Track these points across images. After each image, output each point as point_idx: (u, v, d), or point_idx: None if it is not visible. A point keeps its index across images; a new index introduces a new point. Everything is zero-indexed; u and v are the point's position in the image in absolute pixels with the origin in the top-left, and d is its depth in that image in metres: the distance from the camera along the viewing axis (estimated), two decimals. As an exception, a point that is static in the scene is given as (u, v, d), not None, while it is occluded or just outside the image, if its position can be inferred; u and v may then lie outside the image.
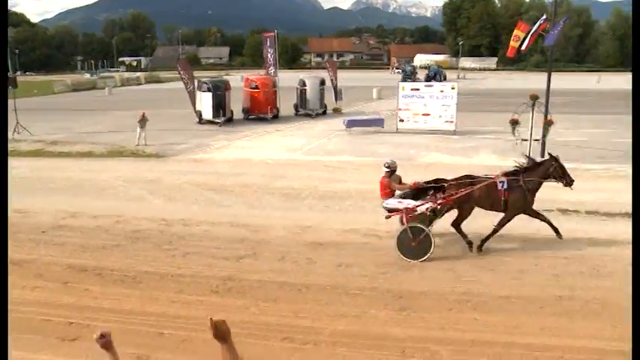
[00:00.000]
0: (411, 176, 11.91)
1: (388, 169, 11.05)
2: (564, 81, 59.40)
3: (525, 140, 18.72)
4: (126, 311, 8.07)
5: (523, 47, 19.76)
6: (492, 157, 20.06)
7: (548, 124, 19.02)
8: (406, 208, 10.42)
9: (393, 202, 10.69)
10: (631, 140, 6.48)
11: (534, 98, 18.18)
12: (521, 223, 12.37)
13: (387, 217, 10.72)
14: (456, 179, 10.95)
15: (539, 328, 7.62)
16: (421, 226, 10.19)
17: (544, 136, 19.28)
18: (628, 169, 17.98)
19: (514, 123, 18.91)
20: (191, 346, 7.15)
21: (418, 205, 10.55)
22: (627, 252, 10.50)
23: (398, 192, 10.95)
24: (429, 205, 10.57)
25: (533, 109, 18.27)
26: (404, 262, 9.95)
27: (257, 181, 16.27)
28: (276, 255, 10.33)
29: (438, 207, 10.62)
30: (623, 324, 7.73)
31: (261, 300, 8.41)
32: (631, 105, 6.81)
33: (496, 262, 10.09)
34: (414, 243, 10.04)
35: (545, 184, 10.99)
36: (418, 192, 10.94)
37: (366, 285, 9.00)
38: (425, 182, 11.01)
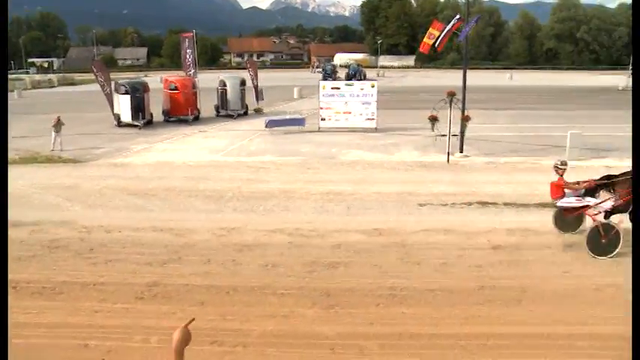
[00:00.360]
0: (332, 175, 12.05)
1: (564, 168, 11.03)
2: (479, 78, 61.55)
3: (444, 136, 19.27)
4: (46, 324, 7.74)
5: (438, 45, 20.35)
6: (413, 154, 20.56)
7: (465, 119, 19.66)
8: (586, 206, 10.67)
9: (571, 201, 10.80)
10: (631, 140, 6.67)
11: (451, 95, 18.72)
12: (443, 217, 12.76)
13: (566, 216, 11.03)
14: (622, 174, 10.92)
15: (464, 317, 7.87)
16: (612, 223, 10.32)
17: (462, 131, 19.92)
18: (542, 160, 18.91)
19: (433, 119, 19.40)
20: (117, 357, 6.95)
21: (600, 203, 10.72)
22: (543, 240, 11.07)
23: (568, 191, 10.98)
24: (611, 202, 10.69)
25: (450, 106, 18.81)
26: (329, 261, 10.03)
27: (179, 184, 15.99)
28: (201, 258, 10.19)
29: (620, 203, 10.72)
30: (540, 308, 8.13)
31: (188, 304, 8.28)
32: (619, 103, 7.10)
33: (421, 255, 10.34)
34: (604, 240, 10.15)
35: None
36: (591, 190, 11.01)
37: (293, 284, 9.02)
38: (596, 180, 11.07)
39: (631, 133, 6.60)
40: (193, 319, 3.01)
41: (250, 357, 6.98)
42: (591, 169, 17.71)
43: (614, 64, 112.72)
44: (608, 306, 8.20)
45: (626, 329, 7.52)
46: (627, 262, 9.93)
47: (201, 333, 7.39)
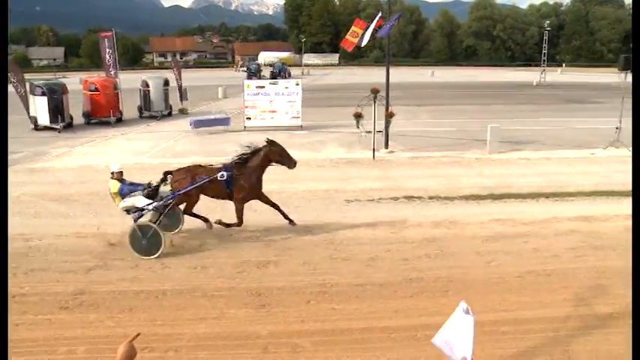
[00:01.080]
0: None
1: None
2: (402, 75, 62.88)
3: (369, 132, 19.59)
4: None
5: (363, 43, 20.67)
6: (339, 151, 20.78)
7: (389, 116, 20.04)
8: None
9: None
10: (631, 138, 6.85)
11: (375, 92, 19.04)
12: (370, 212, 12.97)
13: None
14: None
15: (394, 310, 8.04)
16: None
17: (386, 127, 20.30)
18: (465, 154, 19.54)
19: (358, 116, 19.70)
20: (41, 369, 6.72)
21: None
22: (467, 232, 11.45)
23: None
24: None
25: (374, 103, 19.13)
26: (259, 260, 10.03)
27: (103, 188, 15.44)
28: (128, 263, 9.95)
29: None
30: (466, 297, 8.41)
31: (116, 311, 8.08)
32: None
33: (349, 251, 10.48)
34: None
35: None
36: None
37: (224, 285, 8.96)
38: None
39: (631, 133, 6.80)
40: (138, 334, 2.94)
41: (182, 361, 6.89)
42: (510, 162, 18.49)
43: (528, 61, 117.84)
44: (529, 291, 8.59)
45: (547, 312, 7.94)
46: (535, 249, 10.46)
47: (131, 340, 7.24)
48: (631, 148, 6.74)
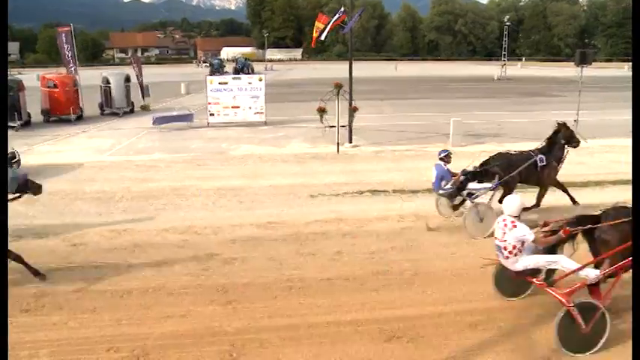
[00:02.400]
0: (223, 170, 11.96)
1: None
2: (366, 69, 63.13)
3: (333, 127, 19.63)
4: None
5: (323, 37, 20.73)
6: (303, 145, 20.80)
7: (353, 110, 20.12)
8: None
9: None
10: (631, 134, 6.89)
11: (338, 87, 19.09)
12: (335, 207, 13.03)
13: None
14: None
15: (361, 304, 8.10)
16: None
17: (350, 122, 20.38)
18: (428, 147, 19.73)
19: (321, 111, 19.71)
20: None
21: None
22: (432, 224, 11.57)
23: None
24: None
25: (338, 97, 19.18)
26: (225, 257, 9.99)
27: (65, 187, 15.23)
28: (91, 263, 9.78)
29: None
30: (432, 289, 8.55)
31: (80, 312, 7.94)
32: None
33: (315, 246, 10.52)
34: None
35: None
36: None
37: (190, 283, 8.90)
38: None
39: (631, 133, 6.87)
40: None
41: (149, 360, 6.83)
42: (472, 155, 18.74)
43: (489, 55, 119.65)
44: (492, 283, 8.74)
45: (511, 301, 8.09)
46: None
47: (97, 341, 7.15)
48: (631, 150, 6.78)
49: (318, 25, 20.56)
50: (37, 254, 10.20)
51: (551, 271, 7.53)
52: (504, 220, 7.46)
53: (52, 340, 7.17)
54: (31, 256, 10.13)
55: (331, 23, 20.26)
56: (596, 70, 55.74)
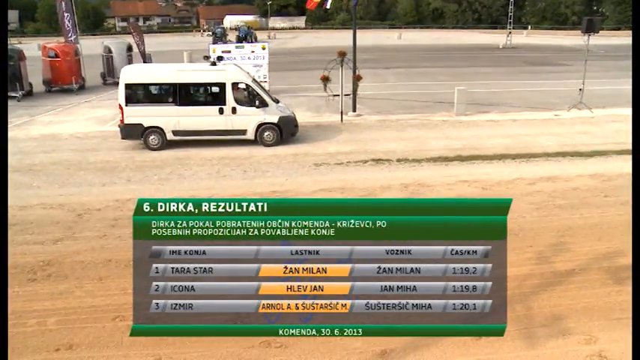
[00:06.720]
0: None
1: None
2: (370, 38, 62.58)
3: (337, 96, 19.53)
4: None
5: (328, 5, 20.54)
6: (307, 114, 20.69)
7: (357, 79, 19.98)
8: None
9: None
10: (631, 131, 6.84)
11: (342, 55, 18.92)
12: (339, 176, 13.04)
13: None
14: None
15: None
16: None
17: (354, 91, 20.25)
18: (432, 117, 19.65)
19: (325, 80, 19.57)
20: (10, 343, 6.64)
21: None
22: (435, 193, 11.58)
23: None
24: None
25: (342, 66, 19.03)
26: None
27: (68, 157, 15.25)
28: (97, 233, 9.83)
29: None
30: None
31: (86, 281, 8.01)
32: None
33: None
34: None
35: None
36: None
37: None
38: None
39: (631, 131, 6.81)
40: None
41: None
42: (476, 124, 18.66)
43: (495, 23, 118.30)
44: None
45: (512, 270, 8.10)
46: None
47: (103, 309, 7.22)
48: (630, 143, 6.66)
49: (322, -10, 20.34)
50: (41, 225, 10.28)
51: None
52: None
53: (59, 309, 7.24)
54: (36, 226, 10.23)
55: (335, -10, 20.01)
56: (604, 39, 55.09)
